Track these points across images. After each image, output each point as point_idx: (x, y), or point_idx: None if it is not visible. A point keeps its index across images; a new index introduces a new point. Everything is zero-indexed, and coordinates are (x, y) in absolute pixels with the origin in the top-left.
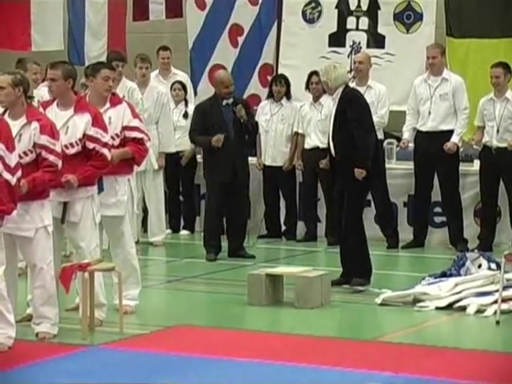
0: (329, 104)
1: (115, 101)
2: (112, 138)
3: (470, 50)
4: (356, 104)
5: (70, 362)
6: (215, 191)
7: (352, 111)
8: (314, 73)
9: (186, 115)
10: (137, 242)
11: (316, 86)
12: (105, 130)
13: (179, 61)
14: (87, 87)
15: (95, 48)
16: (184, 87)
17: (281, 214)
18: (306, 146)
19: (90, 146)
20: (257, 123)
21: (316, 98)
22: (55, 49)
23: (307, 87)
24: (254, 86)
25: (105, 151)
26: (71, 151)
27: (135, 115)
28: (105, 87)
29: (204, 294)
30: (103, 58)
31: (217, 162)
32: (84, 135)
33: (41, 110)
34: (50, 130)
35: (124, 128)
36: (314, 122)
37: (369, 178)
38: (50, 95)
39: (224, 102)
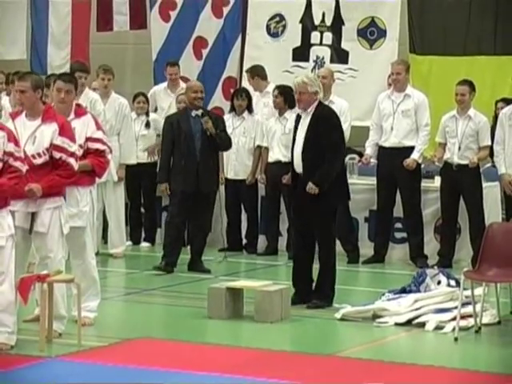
0: (293, 119)
1: (80, 112)
2: None
3: (433, 67)
4: (334, 125)
5: (27, 373)
6: (176, 200)
7: (329, 132)
8: (276, 88)
9: (147, 124)
10: (97, 254)
11: (276, 99)
12: (72, 139)
13: (143, 73)
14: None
15: (58, 57)
16: (147, 100)
17: (242, 228)
18: (270, 160)
19: (57, 155)
20: (229, 138)
21: (281, 112)
22: (18, 58)
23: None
24: (218, 99)
25: (71, 161)
26: (38, 161)
27: (99, 127)
28: (57, 98)
29: (163, 306)
30: (66, 68)
31: (180, 172)
32: (51, 145)
33: (10, 120)
34: (14, 137)
35: (87, 139)
36: (278, 135)
37: (339, 198)
38: (11, 104)
39: (193, 114)
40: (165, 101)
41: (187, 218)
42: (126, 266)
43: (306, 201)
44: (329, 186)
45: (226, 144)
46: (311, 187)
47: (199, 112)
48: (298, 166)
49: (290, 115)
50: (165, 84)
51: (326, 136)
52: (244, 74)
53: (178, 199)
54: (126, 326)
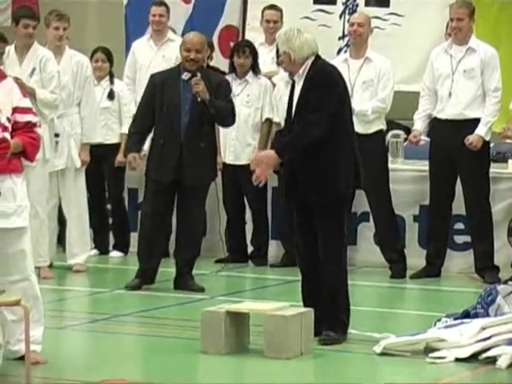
0: None
1: None
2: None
3: (505, 11)
4: (323, 87)
5: None
6: (150, 195)
7: (315, 97)
8: None
9: (111, 95)
10: (50, 266)
11: None
12: None
13: (110, 20)
14: None
15: None
16: (109, 57)
17: (247, 231)
18: None
19: None
20: (233, 108)
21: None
22: None
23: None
24: (213, 56)
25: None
26: None
27: (24, 93)
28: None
29: (140, 338)
30: (7, 14)
31: (156, 154)
32: None
33: None
34: None
35: (14, 110)
36: None
37: (348, 187)
38: None
39: (184, 76)
40: (144, 56)
41: (167, 216)
42: (91, 284)
43: (305, 195)
44: (334, 167)
45: (226, 116)
46: (269, 156)
47: (190, 74)
48: None
49: None
50: (148, 35)
51: (314, 102)
52: (248, 21)
53: (151, 193)
54: (90, 365)
